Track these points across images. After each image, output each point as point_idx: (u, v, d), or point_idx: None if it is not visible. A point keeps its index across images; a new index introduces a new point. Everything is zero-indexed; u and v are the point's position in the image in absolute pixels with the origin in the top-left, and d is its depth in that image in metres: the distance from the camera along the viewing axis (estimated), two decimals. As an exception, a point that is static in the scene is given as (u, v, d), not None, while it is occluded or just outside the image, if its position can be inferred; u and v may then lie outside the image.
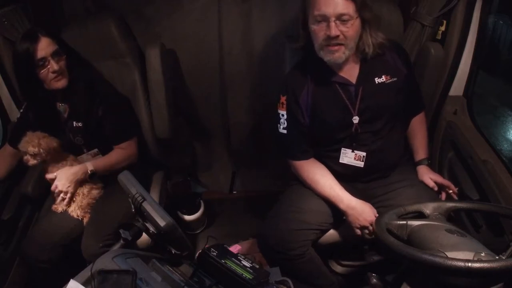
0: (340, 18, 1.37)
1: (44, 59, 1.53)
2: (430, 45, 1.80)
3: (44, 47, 1.53)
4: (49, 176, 1.62)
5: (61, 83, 1.60)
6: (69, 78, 1.62)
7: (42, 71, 1.55)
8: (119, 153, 1.75)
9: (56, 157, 1.64)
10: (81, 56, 1.74)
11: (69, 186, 1.60)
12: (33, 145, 1.55)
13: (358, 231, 1.53)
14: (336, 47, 1.42)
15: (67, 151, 1.69)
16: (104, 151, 1.76)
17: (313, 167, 1.62)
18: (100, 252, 1.26)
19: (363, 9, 1.41)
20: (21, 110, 1.76)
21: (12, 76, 1.81)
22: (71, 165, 1.66)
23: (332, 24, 1.37)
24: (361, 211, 1.51)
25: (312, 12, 1.40)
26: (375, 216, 1.49)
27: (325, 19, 1.38)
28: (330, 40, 1.40)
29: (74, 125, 1.68)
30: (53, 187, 1.61)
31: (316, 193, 1.60)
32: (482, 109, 4.07)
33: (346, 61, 1.49)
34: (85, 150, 1.73)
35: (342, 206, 1.54)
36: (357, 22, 1.41)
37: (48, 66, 1.55)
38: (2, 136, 1.91)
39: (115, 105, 1.75)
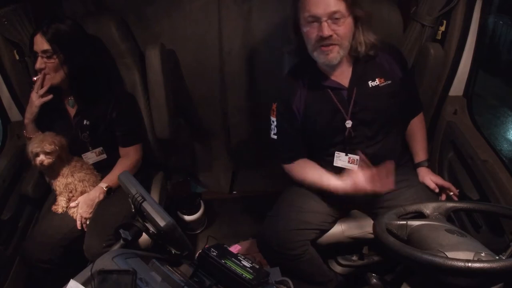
0: (332, 17, 1.35)
1: (35, 52, 1.58)
2: (430, 45, 1.80)
3: (38, 42, 1.56)
4: (72, 204, 1.66)
5: (50, 81, 1.61)
6: (68, 78, 1.62)
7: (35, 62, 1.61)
8: (125, 165, 1.76)
9: (63, 157, 1.65)
10: (102, 57, 1.77)
11: (91, 212, 1.64)
12: (49, 142, 1.58)
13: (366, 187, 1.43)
14: (329, 48, 1.39)
15: (72, 146, 1.70)
16: (109, 150, 1.77)
17: (303, 164, 1.62)
18: (102, 252, 1.26)
19: (355, 6, 1.39)
20: None
21: (12, 76, 1.81)
22: (81, 165, 1.69)
23: (324, 24, 1.35)
24: (357, 183, 1.43)
25: (303, 14, 1.38)
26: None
27: (316, 19, 1.36)
28: (323, 41, 1.37)
29: (84, 122, 1.69)
30: (78, 219, 1.63)
31: (309, 187, 1.59)
32: (482, 109, 4.08)
33: (339, 64, 1.47)
34: (90, 147, 1.74)
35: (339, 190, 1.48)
36: (349, 20, 1.38)
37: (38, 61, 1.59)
38: (2, 136, 1.91)
39: (130, 109, 1.78)
